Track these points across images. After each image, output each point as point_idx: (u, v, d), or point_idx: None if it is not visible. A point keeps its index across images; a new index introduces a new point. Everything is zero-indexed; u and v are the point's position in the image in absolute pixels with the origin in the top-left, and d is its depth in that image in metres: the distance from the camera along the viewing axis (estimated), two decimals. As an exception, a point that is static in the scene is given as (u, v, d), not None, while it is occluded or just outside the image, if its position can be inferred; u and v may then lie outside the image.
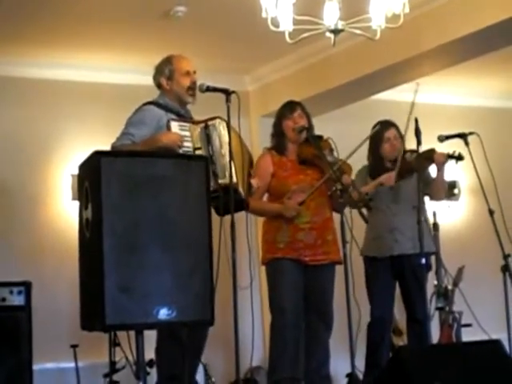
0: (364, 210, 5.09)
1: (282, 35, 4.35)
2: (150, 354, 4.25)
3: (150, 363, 4.59)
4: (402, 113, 5.13)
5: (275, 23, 4.33)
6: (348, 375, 5.02)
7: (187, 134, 4.35)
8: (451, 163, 5.22)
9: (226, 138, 4.27)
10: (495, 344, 4.11)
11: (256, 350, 4.50)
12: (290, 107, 5.04)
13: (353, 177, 5.11)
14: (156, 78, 4.62)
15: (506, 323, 4.92)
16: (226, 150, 4.26)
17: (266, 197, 5.08)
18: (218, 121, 4.37)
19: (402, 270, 5.20)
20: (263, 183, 4.91)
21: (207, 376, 5.86)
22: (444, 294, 5.96)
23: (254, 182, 4.64)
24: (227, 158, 4.24)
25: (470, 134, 4.98)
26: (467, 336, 5.82)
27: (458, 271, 5.91)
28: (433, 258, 5.57)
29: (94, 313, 3.43)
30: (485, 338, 5.08)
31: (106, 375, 5.07)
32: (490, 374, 3.88)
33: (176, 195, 3.53)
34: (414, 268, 4.93)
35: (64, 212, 6.31)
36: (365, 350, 5.26)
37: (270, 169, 4.98)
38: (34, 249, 6.16)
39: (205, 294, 3.53)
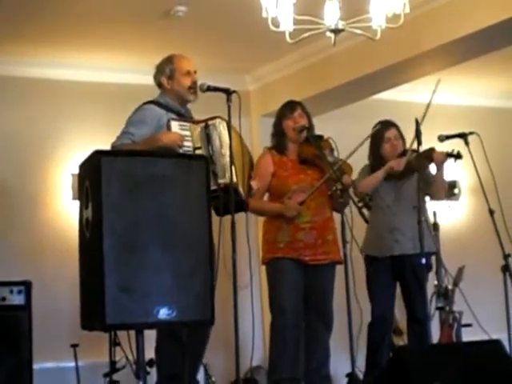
0: (364, 210, 5.09)
1: (283, 35, 4.35)
2: (150, 353, 4.25)
3: (150, 363, 4.59)
4: (402, 113, 5.13)
5: (275, 23, 4.33)
6: (348, 375, 5.03)
7: (187, 133, 4.34)
8: (450, 162, 5.23)
9: (226, 138, 4.27)
10: (495, 344, 4.11)
11: (256, 350, 4.50)
12: (290, 107, 5.03)
13: (353, 177, 5.11)
14: (157, 77, 4.62)
15: (506, 323, 4.92)
16: (226, 150, 4.26)
17: (266, 196, 5.08)
18: (218, 120, 4.37)
19: (403, 270, 5.19)
20: (263, 183, 4.91)
21: (207, 376, 5.86)
22: (444, 294, 5.97)
23: (253, 184, 4.63)
24: (227, 158, 4.23)
25: (471, 133, 4.98)
26: (467, 336, 5.83)
27: (458, 271, 5.91)
28: (433, 258, 5.57)
29: (94, 312, 3.43)
30: (485, 338, 5.08)
31: (106, 375, 5.07)
32: (490, 374, 3.88)
33: (176, 195, 3.53)
34: (415, 268, 4.93)
35: (64, 211, 6.31)
36: (365, 350, 5.26)
37: (270, 168, 4.98)
38: (34, 248, 6.17)
39: (205, 294, 3.52)
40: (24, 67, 6.27)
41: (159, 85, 4.60)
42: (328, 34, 4.42)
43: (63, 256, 5.94)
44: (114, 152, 4.01)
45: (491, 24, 5.06)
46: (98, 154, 3.45)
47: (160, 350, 4.45)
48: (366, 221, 5.17)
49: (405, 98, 7.37)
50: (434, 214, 6.57)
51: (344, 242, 4.52)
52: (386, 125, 5.36)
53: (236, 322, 3.95)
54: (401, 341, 6.44)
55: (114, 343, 3.99)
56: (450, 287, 5.96)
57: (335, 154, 4.93)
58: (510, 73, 7.33)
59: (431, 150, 5.19)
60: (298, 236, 4.85)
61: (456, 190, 7.64)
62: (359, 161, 5.28)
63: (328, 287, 4.95)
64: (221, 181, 4.24)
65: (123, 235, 3.39)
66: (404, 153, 5.28)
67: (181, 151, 4.25)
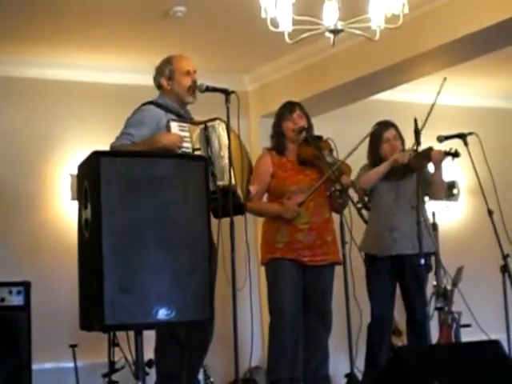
0: (363, 211, 5.09)
1: (282, 35, 4.35)
2: (149, 354, 4.25)
3: (149, 363, 4.59)
4: (401, 113, 5.13)
5: (275, 23, 4.33)
6: (347, 375, 5.02)
7: (186, 134, 4.34)
8: (448, 160, 5.23)
9: (225, 140, 4.26)
10: (494, 344, 4.11)
11: (255, 350, 4.49)
12: (289, 108, 5.03)
13: (352, 177, 5.12)
14: (156, 78, 4.61)
15: (505, 323, 4.93)
16: (224, 152, 4.26)
17: (265, 197, 5.08)
18: (217, 122, 4.36)
19: (403, 271, 5.19)
20: (262, 183, 4.91)
21: (206, 376, 5.86)
22: (443, 294, 5.97)
23: (252, 188, 4.62)
24: (226, 160, 4.23)
25: (470, 134, 4.98)
26: (466, 336, 5.83)
27: (457, 271, 5.92)
28: (433, 259, 5.57)
29: (93, 313, 3.42)
30: (484, 338, 5.08)
31: (105, 375, 5.07)
32: (489, 375, 3.88)
33: (175, 195, 3.53)
34: (415, 268, 4.93)
35: (63, 212, 6.31)
36: (364, 350, 5.26)
37: (269, 169, 4.98)
38: (33, 249, 6.17)
39: (204, 294, 3.52)
40: (23, 67, 6.28)
41: (159, 86, 4.59)
42: (327, 34, 4.42)
43: (62, 256, 5.94)
44: (113, 153, 4.02)
45: (490, 24, 5.07)
46: (97, 155, 3.45)
47: (159, 351, 4.45)
48: (365, 221, 5.17)
49: (404, 98, 7.38)
50: (433, 214, 6.58)
51: (343, 242, 4.53)
52: (385, 125, 5.36)
53: (235, 323, 3.95)
54: (400, 341, 6.44)
55: (113, 343, 4.00)
56: (448, 287, 5.96)
57: (334, 154, 4.93)
58: (509, 73, 7.34)
59: (429, 150, 5.20)
60: (297, 237, 4.85)
61: (455, 191, 7.65)
62: (358, 161, 5.28)
63: (327, 288, 4.95)
64: (219, 183, 4.23)
65: (122, 236, 3.38)
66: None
67: (180, 152, 4.25)
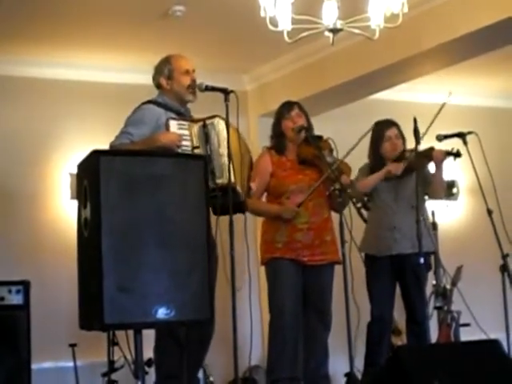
0: (363, 210, 5.09)
1: (281, 34, 4.35)
2: (148, 353, 4.24)
3: (149, 362, 4.58)
4: (400, 112, 5.13)
5: (274, 22, 4.33)
6: (347, 374, 5.02)
7: (186, 132, 4.34)
8: (449, 160, 5.23)
9: (224, 137, 4.26)
10: (493, 344, 4.11)
11: (254, 349, 4.50)
12: (287, 107, 5.03)
13: (352, 177, 5.12)
14: (155, 78, 4.61)
15: (504, 323, 4.93)
16: (224, 150, 4.25)
17: (264, 196, 5.08)
18: (216, 119, 4.36)
19: (403, 270, 5.19)
20: (262, 183, 4.91)
21: (206, 375, 5.85)
22: (442, 294, 5.97)
23: (253, 185, 4.62)
24: (225, 158, 4.22)
25: (469, 133, 4.98)
26: (465, 335, 5.83)
27: (456, 271, 5.92)
28: (432, 258, 5.57)
29: (92, 312, 3.42)
30: (483, 337, 5.08)
31: (104, 374, 5.05)
32: (488, 374, 3.88)
33: (175, 194, 3.53)
34: (414, 268, 4.93)
35: (63, 211, 6.31)
36: (364, 350, 5.26)
37: (268, 168, 4.98)
38: (33, 248, 6.17)
39: (203, 293, 3.52)
40: (23, 67, 6.28)
41: (158, 86, 4.59)
42: (326, 33, 4.42)
43: (61, 255, 5.93)
44: (113, 152, 4.01)
45: (489, 23, 5.07)
46: (96, 154, 3.45)
47: (159, 350, 4.45)
48: (365, 221, 5.18)
49: (403, 97, 7.38)
50: (433, 213, 6.58)
51: (342, 242, 4.52)
52: (387, 123, 5.37)
53: (234, 322, 3.96)
54: (399, 341, 6.44)
55: (113, 343, 4.00)
56: (448, 287, 5.97)
57: (334, 154, 4.93)
58: (509, 72, 7.34)
59: (431, 149, 5.19)
60: (296, 236, 4.85)
61: (454, 190, 7.64)
62: (358, 160, 5.28)
63: (327, 287, 4.95)
64: (219, 181, 4.23)
65: (122, 235, 3.38)
66: (403, 153, 5.28)
67: (179, 151, 4.25)
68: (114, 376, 4.54)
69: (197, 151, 4.28)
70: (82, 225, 3.55)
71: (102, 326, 3.36)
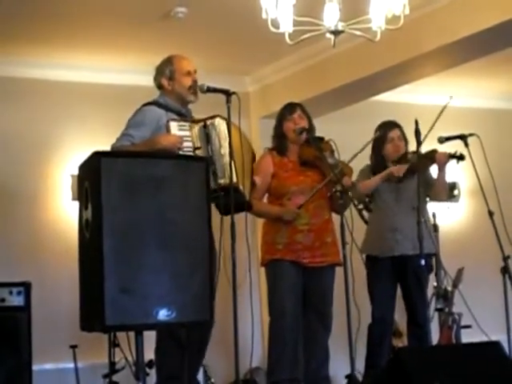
0: (364, 212, 5.09)
1: (282, 36, 4.35)
2: (149, 354, 4.25)
3: (150, 364, 4.59)
4: (402, 114, 5.13)
5: (275, 24, 4.33)
6: (347, 376, 5.02)
7: (187, 133, 4.33)
8: (452, 163, 5.23)
9: (226, 137, 4.26)
10: (495, 345, 4.11)
11: (255, 351, 4.49)
12: (289, 109, 5.03)
13: (354, 178, 5.12)
14: (157, 78, 4.61)
15: (505, 325, 4.92)
16: (225, 150, 4.25)
17: (265, 197, 5.08)
18: (217, 119, 4.35)
19: (404, 272, 5.19)
20: (263, 183, 4.91)
21: (206, 377, 5.86)
22: (444, 296, 5.96)
23: (257, 179, 4.63)
24: (227, 158, 4.22)
25: (470, 135, 4.98)
26: (467, 337, 5.82)
27: (457, 272, 5.91)
28: (433, 260, 5.57)
29: (93, 313, 3.42)
30: (484, 339, 5.08)
31: (105, 376, 5.07)
32: (490, 376, 3.87)
33: (176, 196, 3.53)
34: (416, 270, 4.93)
35: (64, 212, 6.31)
36: (364, 351, 5.26)
37: (270, 169, 4.98)
38: (34, 249, 6.17)
39: (204, 295, 3.52)
40: (24, 68, 6.28)
41: (159, 86, 4.59)
42: (328, 35, 4.41)
43: (63, 257, 5.94)
44: (114, 153, 4.02)
45: (490, 26, 5.07)
46: (97, 155, 3.45)
47: (159, 351, 4.45)
48: (366, 222, 5.17)
49: (404, 99, 7.38)
50: (434, 215, 6.57)
51: (343, 243, 4.52)
52: (390, 125, 5.37)
53: (235, 323, 3.95)
54: (400, 342, 6.44)
55: (114, 344, 3.99)
56: (449, 289, 5.96)
57: (336, 155, 4.94)
58: (510, 74, 7.34)
59: (434, 152, 5.19)
60: (297, 238, 4.85)
61: (456, 192, 7.64)
62: (359, 161, 5.28)
63: (327, 289, 4.95)
64: (221, 181, 4.23)
65: (123, 236, 3.38)
66: (405, 155, 5.28)
67: (181, 152, 4.24)
68: (114, 377, 4.53)
69: (198, 152, 4.28)
70: (84, 226, 3.55)
71: (103, 327, 3.36)
